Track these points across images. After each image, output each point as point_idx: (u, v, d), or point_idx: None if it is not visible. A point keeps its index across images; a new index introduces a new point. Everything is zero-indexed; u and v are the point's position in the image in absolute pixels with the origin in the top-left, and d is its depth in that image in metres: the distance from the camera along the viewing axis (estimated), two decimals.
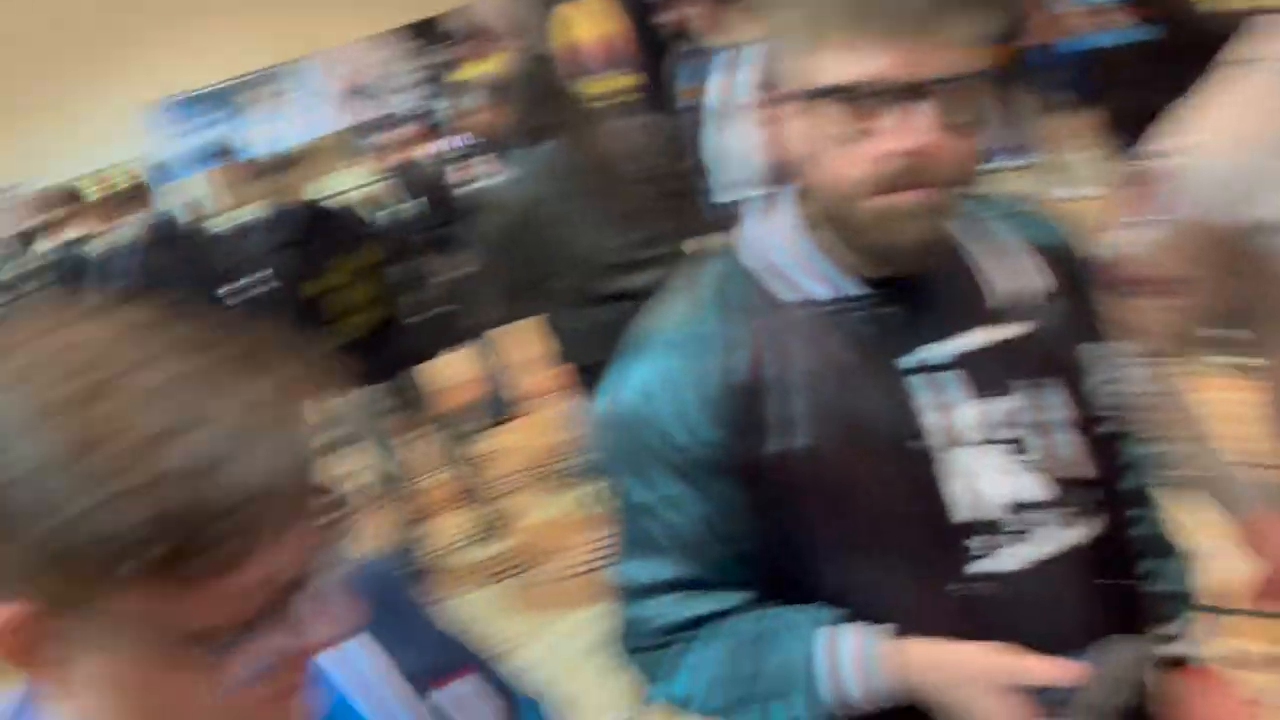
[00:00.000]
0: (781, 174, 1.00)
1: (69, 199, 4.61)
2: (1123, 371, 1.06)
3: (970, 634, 0.94)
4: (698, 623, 1.04)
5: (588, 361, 2.58)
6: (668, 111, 2.70)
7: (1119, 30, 3.16)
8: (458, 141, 5.21)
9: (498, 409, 5.21)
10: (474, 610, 3.64)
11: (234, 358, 0.56)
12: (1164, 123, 1.29)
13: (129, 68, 8.11)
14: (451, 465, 4.03)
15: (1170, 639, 1.08)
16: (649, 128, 2.64)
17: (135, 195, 4.36)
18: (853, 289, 0.98)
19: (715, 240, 1.04)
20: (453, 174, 5.32)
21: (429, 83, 8.68)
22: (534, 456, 4.75)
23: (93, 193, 4.69)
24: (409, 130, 4.84)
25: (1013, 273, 1.02)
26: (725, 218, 4.96)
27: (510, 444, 4.98)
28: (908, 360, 0.97)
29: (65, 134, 7.88)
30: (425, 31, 8.84)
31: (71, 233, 4.44)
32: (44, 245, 4.64)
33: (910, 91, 0.86)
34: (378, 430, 3.69)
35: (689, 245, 2.64)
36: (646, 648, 1.07)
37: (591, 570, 3.59)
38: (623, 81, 6.05)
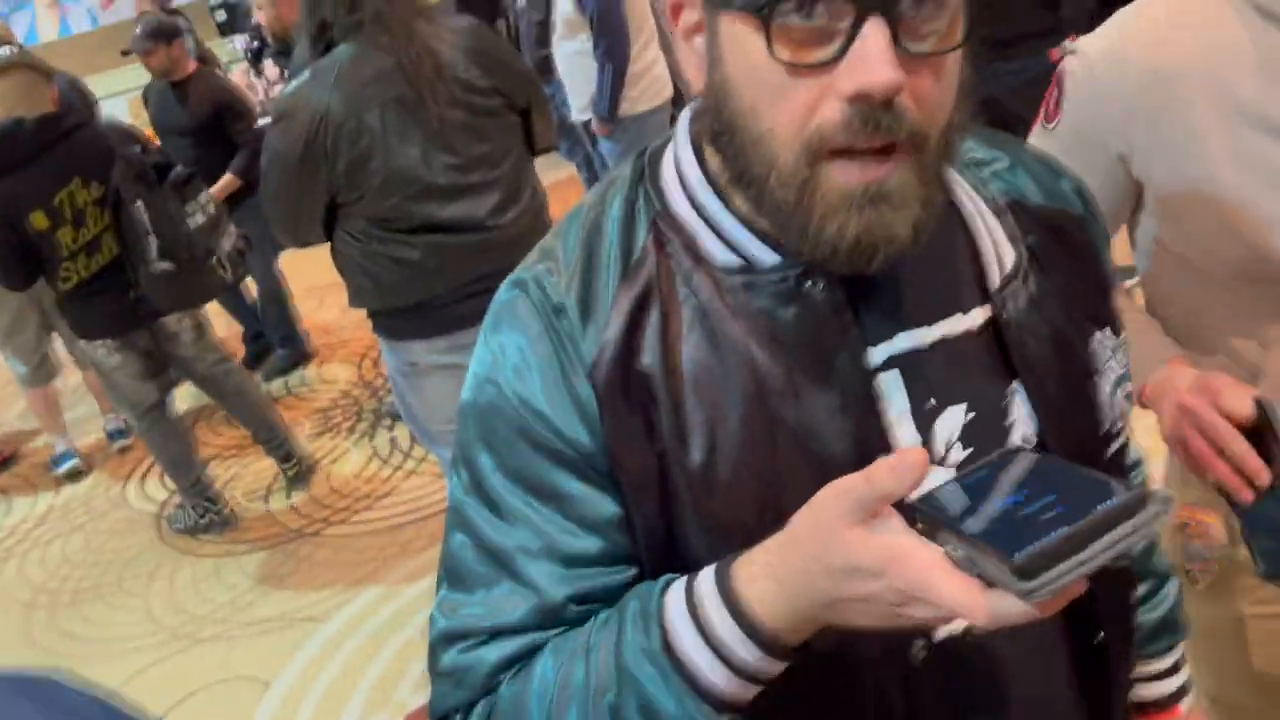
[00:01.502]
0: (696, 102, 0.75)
1: None
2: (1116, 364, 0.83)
3: (928, 702, 0.75)
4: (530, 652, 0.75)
5: (397, 303, 2.24)
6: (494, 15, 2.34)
7: None
8: (245, 41, 4.62)
9: (293, 350, 4.71)
10: (268, 573, 3.26)
11: None
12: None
13: None
14: (241, 404, 3.58)
15: (1157, 676, 0.97)
16: (471, 32, 2.27)
17: None
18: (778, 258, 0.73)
19: (620, 171, 0.80)
20: (239, 79, 4.74)
21: None
22: (334, 400, 4.34)
23: None
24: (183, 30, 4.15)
25: (990, 240, 0.78)
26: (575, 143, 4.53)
27: (308, 385, 4.54)
28: (875, 353, 0.73)
29: None
30: None
31: None
32: None
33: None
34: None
35: (528, 174, 2.31)
36: (469, 703, 0.76)
37: (400, 527, 3.27)
38: None
